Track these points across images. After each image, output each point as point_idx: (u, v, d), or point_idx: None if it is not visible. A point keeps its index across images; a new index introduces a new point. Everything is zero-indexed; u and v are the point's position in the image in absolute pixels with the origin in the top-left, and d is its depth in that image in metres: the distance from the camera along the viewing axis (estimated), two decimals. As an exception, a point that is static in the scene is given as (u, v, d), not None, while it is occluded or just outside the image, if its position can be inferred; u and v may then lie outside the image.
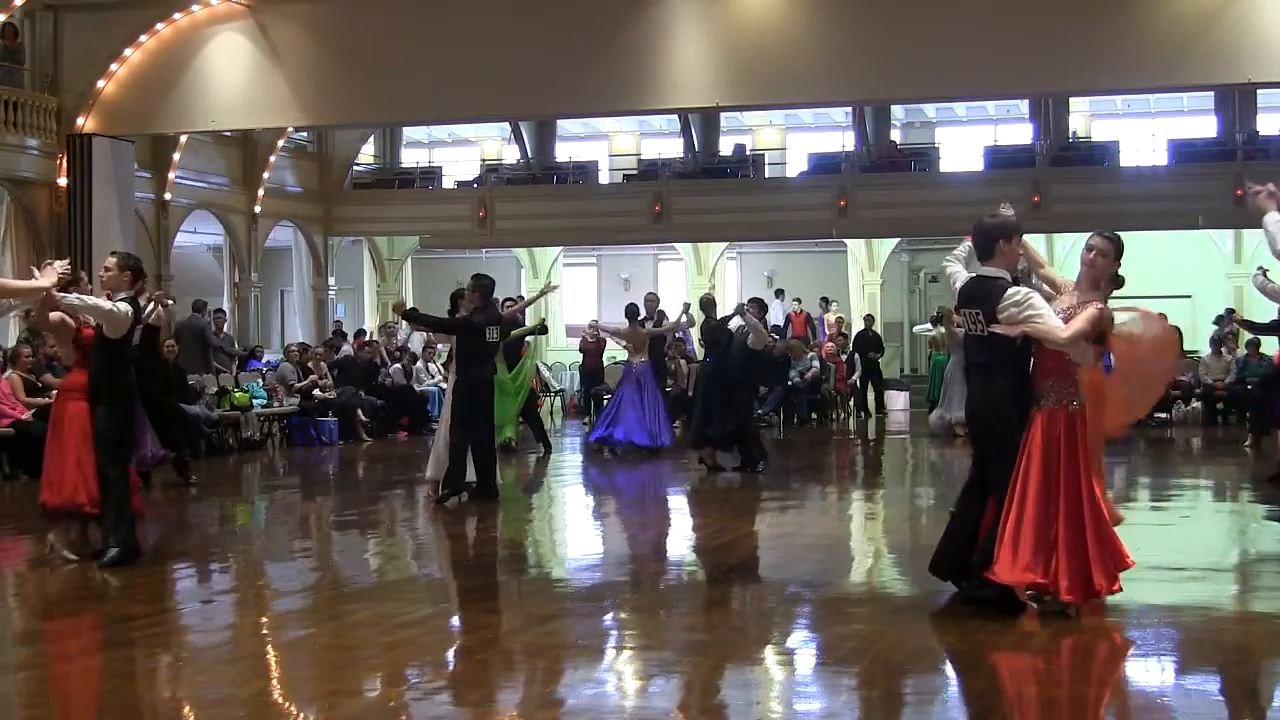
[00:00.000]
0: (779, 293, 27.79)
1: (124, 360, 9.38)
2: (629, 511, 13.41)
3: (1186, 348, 23.55)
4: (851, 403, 25.53)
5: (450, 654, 7.11)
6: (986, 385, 7.33)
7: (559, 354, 28.69)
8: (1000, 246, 7.33)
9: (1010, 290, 7.08)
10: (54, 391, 15.39)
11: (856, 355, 25.47)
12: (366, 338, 24.01)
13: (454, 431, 12.37)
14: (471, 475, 12.48)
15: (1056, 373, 7.10)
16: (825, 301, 27.91)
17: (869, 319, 25.91)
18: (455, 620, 8.08)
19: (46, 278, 8.44)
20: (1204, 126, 26.56)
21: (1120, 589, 7.29)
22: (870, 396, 25.55)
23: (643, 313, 18.41)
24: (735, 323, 15.31)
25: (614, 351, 22.57)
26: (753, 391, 17.01)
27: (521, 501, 13.64)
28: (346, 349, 22.84)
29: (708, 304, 16.47)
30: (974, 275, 7.45)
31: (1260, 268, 10.79)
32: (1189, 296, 24.84)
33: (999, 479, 7.20)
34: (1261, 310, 20.46)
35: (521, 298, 20.56)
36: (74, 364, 9.64)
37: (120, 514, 9.19)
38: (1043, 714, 5.88)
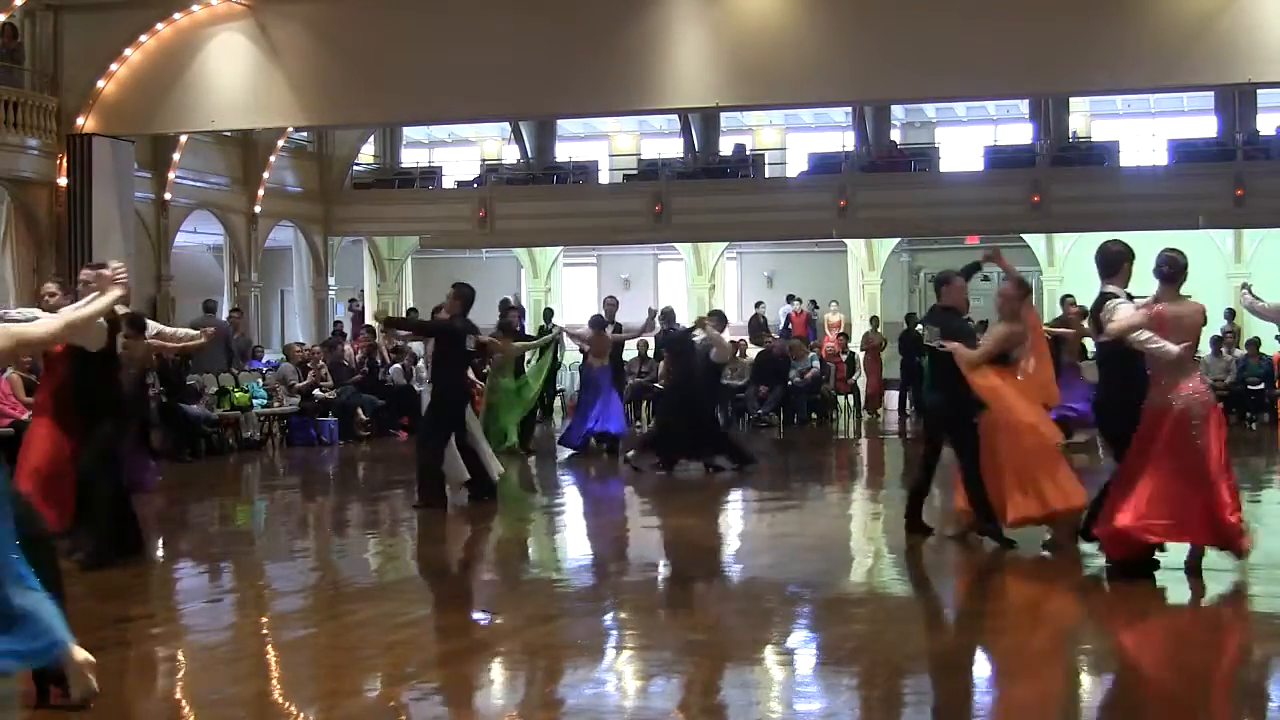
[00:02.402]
0: (790, 298, 27.66)
1: (105, 371, 9.09)
2: (629, 512, 13.41)
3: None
4: (844, 400, 25.29)
5: (450, 654, 7.11)
6: (1114, 384, 8.54)
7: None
8: (1125, 268, 8.55)
9: (1110, 302, 8.30)
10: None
11: (900, 356, 24.78)
12: (342, 335, 23.90)
13: (431, 438, 12.27)
14: (465, 475, 12.39)
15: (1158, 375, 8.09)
16: (813, 304, 27.78)
17: (911, 318, 25.17)
18: (455, 620, 8.08)
19: (113, 290, 6.62)
20: (1204, 126, 26.52)
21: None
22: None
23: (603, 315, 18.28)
24: (699, 336, 15.22)
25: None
26: (714, 402, 16.78)
27: (521, 501, 13.64)
28: (347, 349, 22.84)
29: (667, 315, 16.44)
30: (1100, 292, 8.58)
31: (1245, 285, 10.89)
32: (1189, 296, 24.77)
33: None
34: (1257, 325, 20.46)
35: (518, 301, 20.48)
36: (41, 381, 9.33)
37: (94, 523, 8.95)
38: (1042, 714, 5.89)
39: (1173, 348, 7.92)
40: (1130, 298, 8.38)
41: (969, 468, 9.41)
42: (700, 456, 15.13)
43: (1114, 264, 8.50)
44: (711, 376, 15.40)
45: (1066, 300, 17.86)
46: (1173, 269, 8.18)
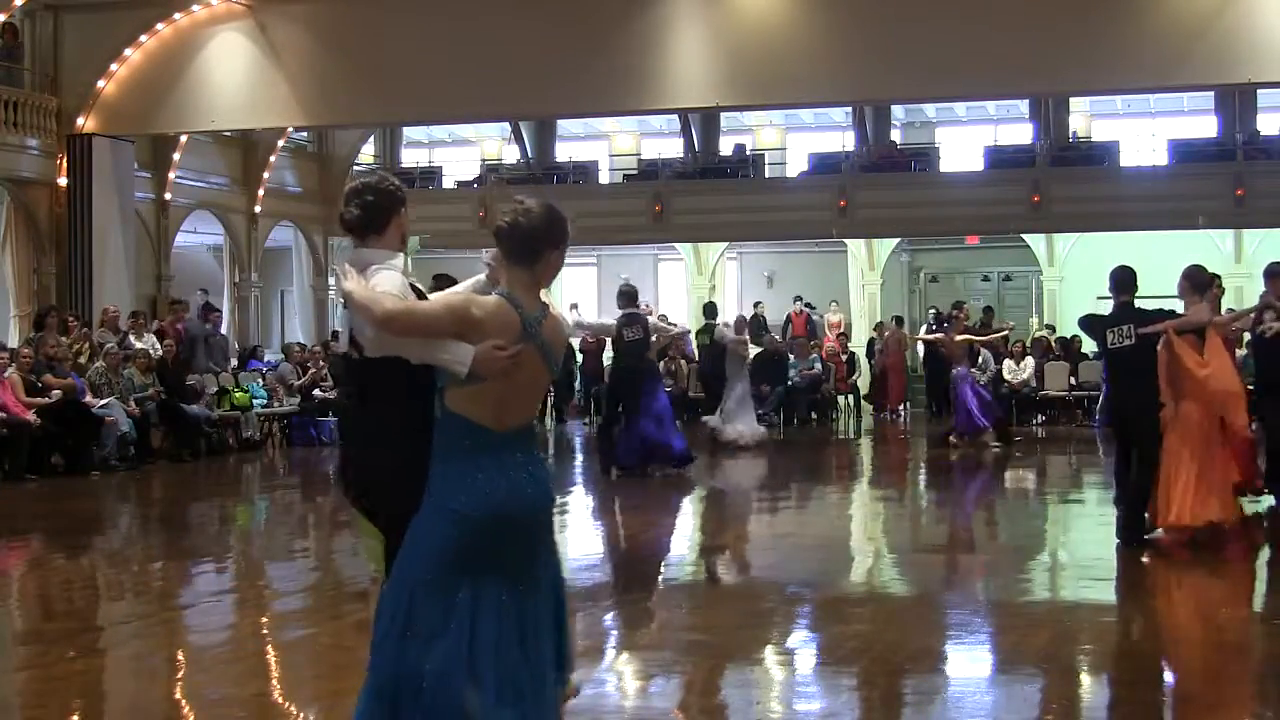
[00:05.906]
0: (807, 303, 27.54)
1: None
2: (628, 512, 13.39)
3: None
4: (844, 400, 25.17)
5: (450, 654, 7.10)
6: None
7: (559, 354, 28.65)
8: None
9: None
10: (55, 392, 15.45)
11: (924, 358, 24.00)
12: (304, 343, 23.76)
13: None
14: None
15: None
16: (810, 306, 27.66)
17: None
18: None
19: None
20: (1204, 126, 26.54)
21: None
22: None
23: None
24: None
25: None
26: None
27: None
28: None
29: None
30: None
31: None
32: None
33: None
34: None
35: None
36: None
37: None
38: (1040, 714, 5.88)
39: None
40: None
41: (1146, 471, 9.51)
42: None
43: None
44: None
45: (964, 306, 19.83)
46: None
